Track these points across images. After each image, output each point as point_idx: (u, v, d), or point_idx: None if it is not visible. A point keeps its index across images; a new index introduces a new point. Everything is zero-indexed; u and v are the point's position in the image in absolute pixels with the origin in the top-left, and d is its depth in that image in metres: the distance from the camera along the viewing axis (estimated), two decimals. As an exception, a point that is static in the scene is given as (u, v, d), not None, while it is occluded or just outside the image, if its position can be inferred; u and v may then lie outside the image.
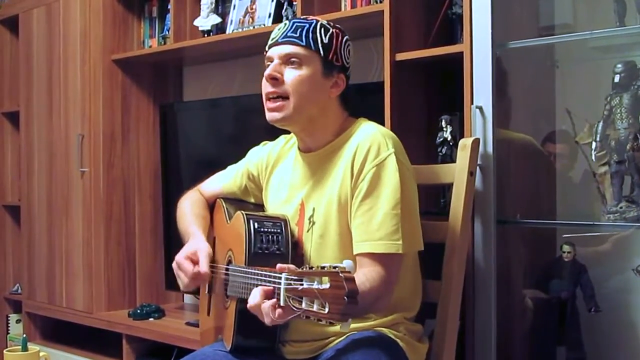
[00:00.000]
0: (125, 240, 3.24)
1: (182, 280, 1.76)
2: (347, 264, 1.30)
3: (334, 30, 1.77)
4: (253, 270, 1.55)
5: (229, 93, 3.18)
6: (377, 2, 2.35)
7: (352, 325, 1.36)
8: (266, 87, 1.75)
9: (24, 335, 2.24)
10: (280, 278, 1.37)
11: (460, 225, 1.87)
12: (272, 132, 1.90)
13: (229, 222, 1.89)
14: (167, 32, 3.14)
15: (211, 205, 2.05)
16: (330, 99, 1.77)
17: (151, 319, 3.03)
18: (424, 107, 2.28)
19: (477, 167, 1.96)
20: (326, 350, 1.71)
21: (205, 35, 2.94)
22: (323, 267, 1.29)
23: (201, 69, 3.35)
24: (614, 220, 1.91)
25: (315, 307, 1.27)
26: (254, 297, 1.44)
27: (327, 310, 1.25)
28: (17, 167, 3.78)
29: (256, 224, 1.71)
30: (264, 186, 1.95)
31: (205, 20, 2.92)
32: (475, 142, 1.94)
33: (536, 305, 2.17)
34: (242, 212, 1.78)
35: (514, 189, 2.18)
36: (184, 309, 3.30)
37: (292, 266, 1.40)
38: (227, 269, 1.78)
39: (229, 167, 2.06)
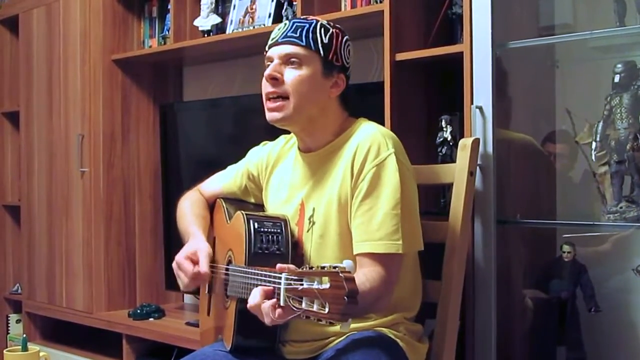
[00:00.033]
0: (125, 240, 3.24)
1: (182, 280, 1.76)
2: (347, 264, 1.30)
3: (334, 30, 1.77)
4: (253, 270, 1.55)
5: (229, 93, 3.18)
6: (377, 2, 2.35)
7: (352, 325, 1.36)
8: (266, 87, 1.75)
9: (24, 335, 2.24)
10: (280, 278, 1.37)
11: (460, 225, 1.87)
12: (272, 132, 1.90)
13: (229, 222, 1.89)
14: (167, 32, 3.14)
15: (211, 205, 2.05)
16: (330, 99, 1.77)
17: (151, 319, 3.04)
18: (424, 107, 2.28)
19: (477, 167, 1.96)
20: (326, 350, 1.71)
21: (205, 35, 2.94)
22: (323, 267, 1.29)
23: (201, 69, 3.36)
24: (614, 220, 1.91)
25: (315, 307, 1.27)
26: (254, 297, 1.44)
27: (327, 310, 1.25)
28: (17, 167, 3.78)
29: (256, 224, 1.71)
30: (264, 186, 1.95)
31: (205, 20, 2.92)
32: (475, 142, 1.94)
33: (536, 305, 2.17)
34: (242, 212, 1.78)
35: (514, 189, 2.18)
36: (184, 309, 3.30)
37: (292, 266, 1.40)
38: (227, 269, 1.78)
39: (229, 167, 2.06)
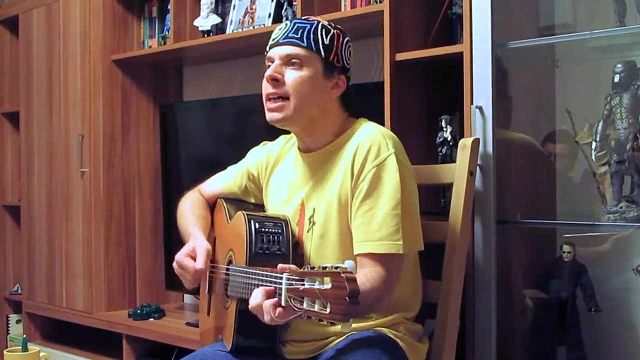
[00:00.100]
0: (125, 240, 3.24)
1: (186, 278, 1.77)
2: (348, 264, 1.30)
3: (335, 31, 1.77)
4: (254, 271, 1.55)
5: (229, 93, 3.18)
6: (377, 2, 2.35)
7: (352, 325, 1.37)
8: (267, 88, 1.75)
9: (24, 336, 2.24)
10: (281, 278, 1.38)
11: (460, 225, 1.88)
12: (272, 132, 1.90)
13: (229, 222, 1.89)
14: (167, 32, 3.14)
15: (212, 205, 2.05)
16: (330, 99, 1.77)
17: (151, 319, 3.04)
18: (424, 107, 2.28)
19: (477, 167, 1.96)
20: (326, 350, 1.71)
21: (205, 36, 2.94)
22: (324, 268, 1.29)
23: (201, 69, 3.36)
24: (614, 220, 1.91)
25: (316, 307, 1.27)
26: (256, 298, 1.44)
27: (328, 310, 1.25)
28: (17, 167, 3.78)
29: (257, 224, 1.71)
30: (264, 186, 1.95)
31: (205, 20, 2.92)
32: (475, 142, 1.94)
33: (536, 305, 2.18)
34: (243, 212, 1.78)
35: (514, 189, 2.18)
36: (184, 309, 3.30)
37: (293, 266, 1.40)
38: (227, 269, 1.78)
39: (229, 168, 2.06)
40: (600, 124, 1.94)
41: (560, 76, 2.20)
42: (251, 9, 2.83)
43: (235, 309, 1.70)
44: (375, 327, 1.71)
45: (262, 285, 1.46)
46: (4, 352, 2.12)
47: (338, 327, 1.31)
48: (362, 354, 1.60)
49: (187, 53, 3.11)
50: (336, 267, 1.28)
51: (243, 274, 1.63)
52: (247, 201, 2.01)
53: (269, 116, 1.76)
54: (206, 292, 1.95)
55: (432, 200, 2.17)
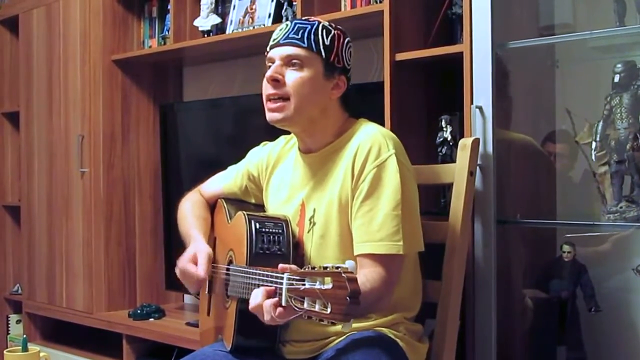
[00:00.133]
0: (125, 240, 3.24)
1: (190, 285, 1.78)
2: (349, 264, 1.30)
3: (335, 31, 1.77)
4: (254, 271, 1.55)
5: (229, 93, 3.18)
6: (377, 2, 2.35)
7: (352, 325, 1.37)
8: (267, 89, 1.75)
9: (24, 336, 2.24)
10: (282, 278, 1.38)
11: (460, 225, 1.88)
12: (272, 133, 1.90)
13: (229, 222, 1.89)
14: (167, 33, 3.14)
15: (212, 205, 2.05)
16: (331, 100, 1.77)
17: (151, 319, 3.04)
18: (424, 107, 2.28)
19: (477, 167, 1.96)
20: (326, 350, 1.71)
21: (205, 36, 2.94)
22: (325, 268, 1.29)
23: (201, 69, 3.36)
24: (614, 220, 1.91)
25: (317, 307, 1.27)
26: (256, 298, 1.44)
27: (329, 310, 1.25)
28: (17, 167, 3.78)
29: (258, 224, 1.71)
30: (264, 187, 1.95)
31: (205, 20, 2.92)
32: (475, 142, 1.94)
33: (536, 305, 2.18)
34: (244, 212, 1.78)
35: (514, 189, 2.18)
36: (184, 309, 3.30)
37: (294, 266, 1.41)
38: (227, 269, 1.78)
39: (230, 168, 2.06)
40: (600, 124, 1.94)
41: (560, 76, 2.20)
42: (251, 9, 2.83)
43: (235, 309, 1.70)
44: (375, 327, 1.71)
45: (262, 285, 1.46)
46: (4, 352, 2.12)
47: (338, 327, 1.31)
48: (362, 354, 1.60)
49: (187, 53, 3.11)
50: (337, 267, 1.28)
51: (243, 274, 1.63)
52: (247, 201, 2.01)
53: (269, 116, 1.76)
54: (206, 292, 1.95)
55: (432, 200, 2.17)
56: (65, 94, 3.28)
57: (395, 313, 1.74)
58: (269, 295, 1.42)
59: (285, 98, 1.72)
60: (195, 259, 1.76)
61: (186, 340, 2.71)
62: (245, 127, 2.89)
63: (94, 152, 3.16)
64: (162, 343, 2.84)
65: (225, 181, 2.03)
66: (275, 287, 1.41)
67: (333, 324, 1.28)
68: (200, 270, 1.73)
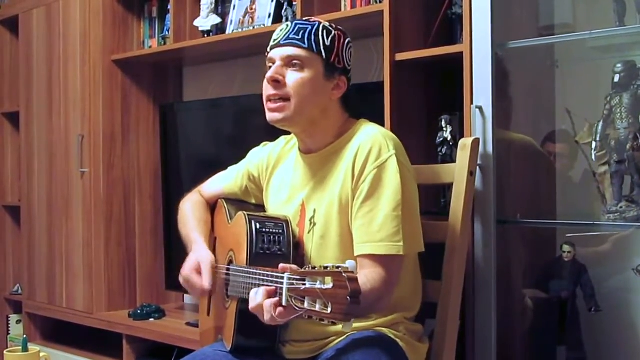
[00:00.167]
0: (125, 240, 3.24)
1: (194, 293, 1.81)
2: (349, 264, 1.30)
3: (336, 32, 1.77)
4: (255, 270, 1.56)
5: (229, 93, 3.18)
6: (377, 2, 2.35)
7: (353, 325, 1.37)
8: (267, 90, 1.75)
9: (25, 336, 2.24)
10: (282, 278, 1.38)
11: (460, 225, 1.88)
12: (272, 133, 1.90)
13: (230, 222, 1.89)
14: (167, 33, 3.14)
15: (212, 206, 2.05)
16: (331, 101, 1.77)
17: (151, 320, 3.04)
18: (424, 107, 2.28)
19: (477, 167, 1.96)
20: (326, 350, 1.71)
21: (205, 36, 2.94)
22: (326, 267, 1.29)
23: (201, 69, 3.36)
24: (614, 220, 1.91)
25: (317, 307, 1.27)
26: (256, 298, 1.44)
27: (329, 310, 1.25)
28: (17, 167, 3.78)
29: (258, 225, 1.71)
30: (265, 187, 1.95)
31: (205, 20, 2.92)
32: (475, 142, 1.94)
33: (536, 305, 2.18)
34: (244, 212, 1.78)
35: (514, 189, 2.18)
36: (184, 309, 3.30)
37: (294, 266, 1.41)
38: (228, 269, 1.78)
39: (230, 168, 2.06)
40: (600, 123, 1.94)
41: (560, 76, 2.20)
42: (251, 9, 2.83)
43: (235, 309, 1.71)
44: (375, 327, 1.71)
45: (263, 285, 1.46)
46: (4, 352, 2.12)
47: (338, 327, 1.32)
48: (362, 354, 1.60)
49: (187, 53, 3.11)
50: (337, 267, 1.28)
51: (244, 274, 1.63)
52: (247, 202, 2.01)
53: (270, 116, 1.76)
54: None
55: (432, 200, 2.17)
56: (65, 94, 3.28)
57: (395, 313, 1.74)
58: (270, 295, 1.42)
59: (286, 99, 1.72)
60: (198, 267, 1.75)
61: (186, 340, 2.71)
62: (246, 128, 2.89)
63: (94, 152, 3.16)
64: (162, 343, 2.84)
65: (226, 181, 2.03)
66: (276, 286, 1.41)
67: (334, 323, 1.28)
68: (205, 282, 1.73)
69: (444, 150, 2.12)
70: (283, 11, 2.68)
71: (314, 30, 1.74)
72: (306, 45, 1.72)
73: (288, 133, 1.90)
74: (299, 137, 1.84)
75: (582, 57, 2.17)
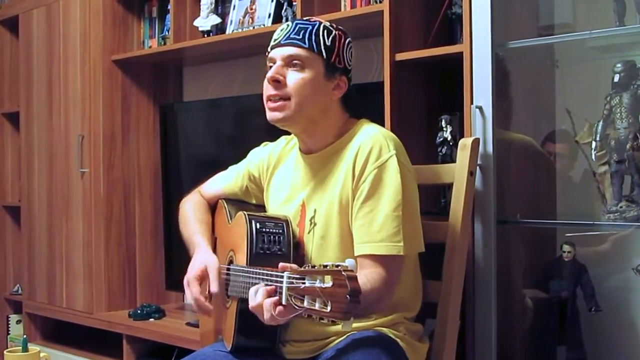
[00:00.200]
0: (125, 240, 3.24)
1: (191, 298, 1.78)
2: (349, 262, 1.30)
3: (336, 32, 1.77)
4: (255, 270, 1.55)
5: (229, 93, 3.18)
6: (377, 2, 2.35)
7: (353, 325, 1.37)
8: (268, 90, 1.75)
9: (25, 336, 2.24)
10: (282, 277, 1.38)
11: (460, 225, 1.88)
12: (273, 133, 1.90)
13: (230, 222, 1.89)
14: (167, 33, 3.14)
15: (212, 206, 2.05)
16: (331, 101, 1.77)
17: (151, 320, 3.03)
18: (424, 107, 2.28)
19: (477, 167, 1.96)
20: (326, 350, 1.71)
21: (205, 36, 2.94)
22: (325, 266, 1.29)
23: (201, 69, 3.36)
24: (614, 219, 1.91)
25: (317, 306, 1.27)
26: (256, 297, 1.44)
27: (329, 308, 1.25)
28: (17, 167, 3.78)
29: (258, 225, 1.71)
30: (265, 187, 1.95)
31: (205, 20, 2.92)
32: (475, 142, 1.94)
33: (536, 305, 2.18)
34: (244, 212, 1.78)
35: (514, 189, 2.18)
36: (184, 309, 3.30)
37: (294, 265, 1.41)
38: (228, 269, 1.78)
39: (230, 168, 2.06)
40: (600, 123, 1.94)
41: (560, 76, 2.20)
42: (251, 9, 2.83)
43: (235, 309, 1.70)
44: (375, 327, 1.71)
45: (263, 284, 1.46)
46: (4, 352, 2.12)
47: (338, 327, 1.32)
48: (362, 354, 1.60)
49: (187, 53, 3.11)
50: (337, 266, 1.28)
51: (244, 274, 1.63)
52: (248, 202, 2.00)
53: (270, 116, 1.76)
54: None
55: (432, 200, 2.17)
56: (65, 94, 3.28)
57: (395, 313, 1.74)
58: (269, 294, 1.42)
59: (286, 98, 1.72)
60: (204, 273, 1.74)
61: (186, 340, 2.71)
62: (246, 128, 2.89)
63: (94, 152, 3.16)
64: (162, 343, 2.84)
65: (226, 181, 2.03)
66: (276, 286, 1.41)
67: (333, 322, 1.28)
68: (214, 286, 1.71)
69: (444, 150, 2.12)
70: (283, 11, 2.69)
71: (314, 30, 1.74)
72: (307, 45, 1.72)
73: (288, 133, 1.90)
74: (299, 137, 1.84)
75: (582, 57, 2.17)
